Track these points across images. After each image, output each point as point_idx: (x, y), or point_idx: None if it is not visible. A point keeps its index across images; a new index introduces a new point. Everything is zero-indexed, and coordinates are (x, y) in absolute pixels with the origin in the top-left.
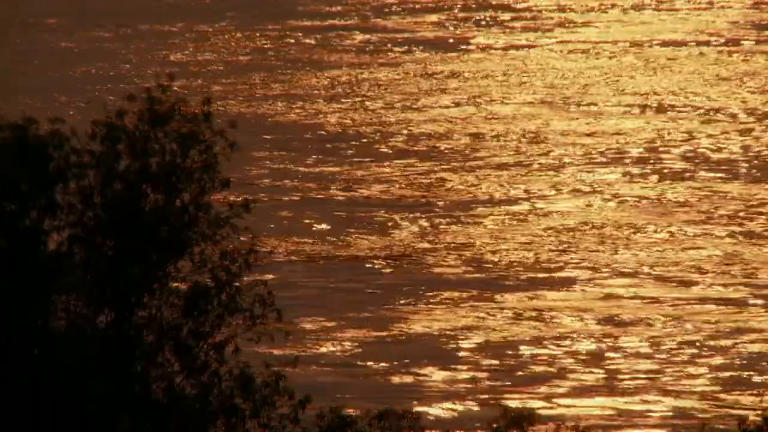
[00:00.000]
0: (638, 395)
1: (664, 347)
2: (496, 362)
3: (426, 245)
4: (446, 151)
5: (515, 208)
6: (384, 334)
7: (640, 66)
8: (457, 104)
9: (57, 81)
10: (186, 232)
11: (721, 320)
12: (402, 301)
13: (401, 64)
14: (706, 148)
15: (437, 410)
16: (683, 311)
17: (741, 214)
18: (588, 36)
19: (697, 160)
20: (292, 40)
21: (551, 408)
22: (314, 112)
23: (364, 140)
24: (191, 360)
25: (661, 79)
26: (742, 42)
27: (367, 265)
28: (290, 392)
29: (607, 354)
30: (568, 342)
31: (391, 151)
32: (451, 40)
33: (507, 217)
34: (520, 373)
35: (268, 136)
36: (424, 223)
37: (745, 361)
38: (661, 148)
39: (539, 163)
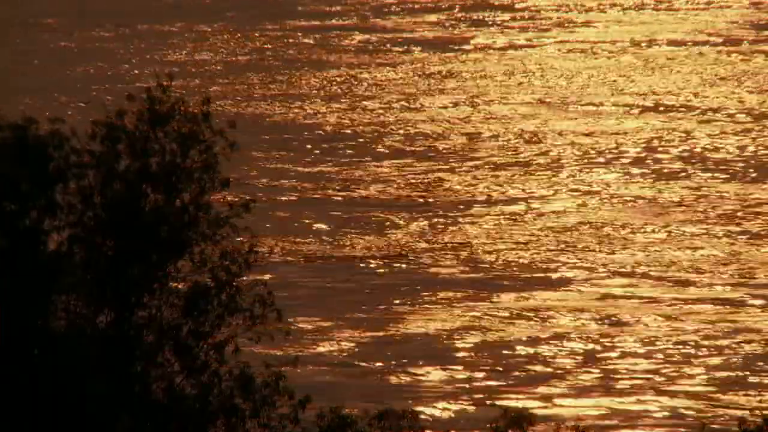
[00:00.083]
0: (635, 395)
1: (660, 347)
2: (493, 362)
3: (423, 245)
4: (444, 151)
5: (513, 208)
6: (381, 334)
7: (638, 66)
8: (456, 104)
9: (57, 81)
10: (186, 232)
11: (718, 320)
12: (399, 301)
13: (400, 64)
14: (704, 148)
15: (434, 410)
16: (680, 311)
17: (738, 214)
18: (587, 36)
19: (694, 160)
20: (291, 40)
21: (548, 408)
22: (312, 112)
23: (362, 140)
24: (191, 360)
25: (660, 79)
26: (741, 42)
27: (365, 265)
28: (290, 392)
29: (604, 354)
30: (564, 342)
31: (388, 151)
32: (449, 40)
33: (504, 217)
34: (516, 372)
35: (266, 136)
36: (422, 223)
37: (742, 361)
38: (659, 148)
39: (537, 163)
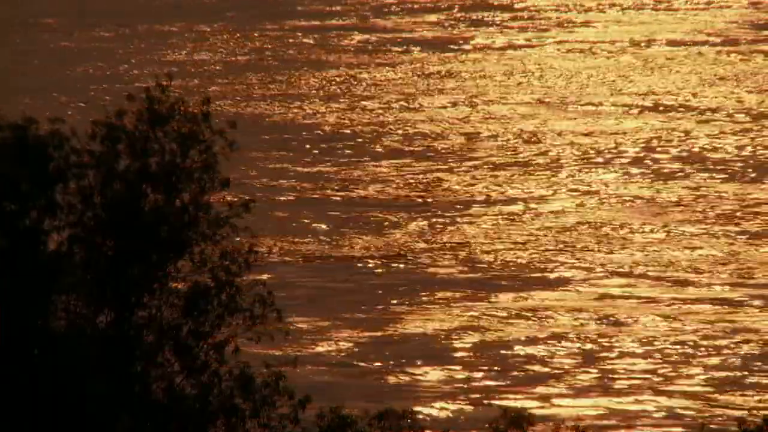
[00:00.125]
0: (633, 395)
1: (659, 347)
2: (492, 362)
3: (422, 245)
4: (443, 151)
5: (511, 207)
6: (380, 333)
7: (638, 66)
8: (455, 104)
9: (57, 81)
10: (186, 232)
11: (716, 320)
12: (398, 301)
13: (399, 64)
14: (703, 148)
15: (433, 410)
16: (679, 311)
17: (737, 214)
18: (586, 36)
19: (693, 160)
20: (291, 40)
21: (546, 408)
22: (312, 112)
23: (361, 140)
24: (191, 360)
25: (659, 79)
26: (740, 42)
27: (363, 265)
28: (290, 392)
29: (602, 354)
30: (563, 342)
31: (387, 151)
32: (449, 40)
33: (503, 217)
34: (515, 372)
35: (265, 136)
36: (420, 223)
37: (740, 362)
38: (658, 148)
39: (536, 163)
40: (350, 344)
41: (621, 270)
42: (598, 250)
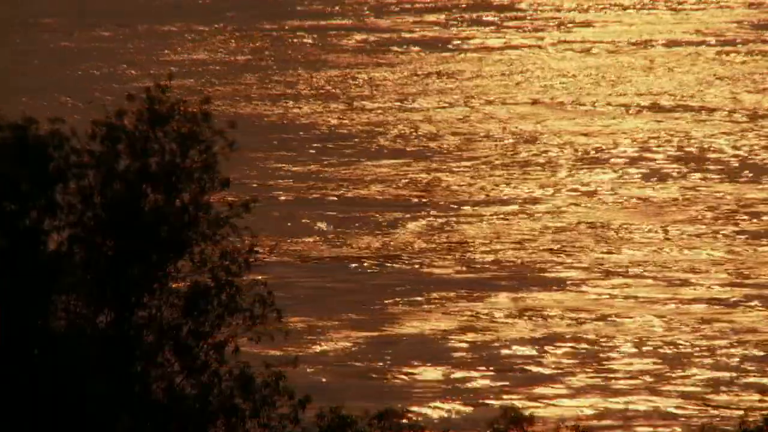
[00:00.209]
0: (631, 395)
1: (656, 347)
2: (490, 362)
3: (421, 245)
4: (442, 151)
5: (509, 207)
6: (379, 334)
7: (637, 66)
8: (453, 104)
9: (57, 81)
10: (186, 232)
11: (715, 320)
12: (396, 301)
13: (398, 64)
14: (701, 148)
15: (431, 410)
16: (676, 311)
17: (735, 214)
18: (585, 36)
19: (691, 160)
20: (290, 40)
21: (544, 408)
22: (311, 111)
23: (360, 140)
24: (191, 360)
25: (658, 79)
26: (740, 42)
27: (360, 265)
28: (290, 392)
29: (600, 354)
30: (560, 342)
31: (386, 151)
32: (448, 40)
33: (501, 216)
34: (513, 373)
35: (264, 136)
36: (419, 223)
37: (738, 362)
38: (656, 148)
39: (535, 163)
40: (350, 344)
41: (619, 270)
42: (596, 250)
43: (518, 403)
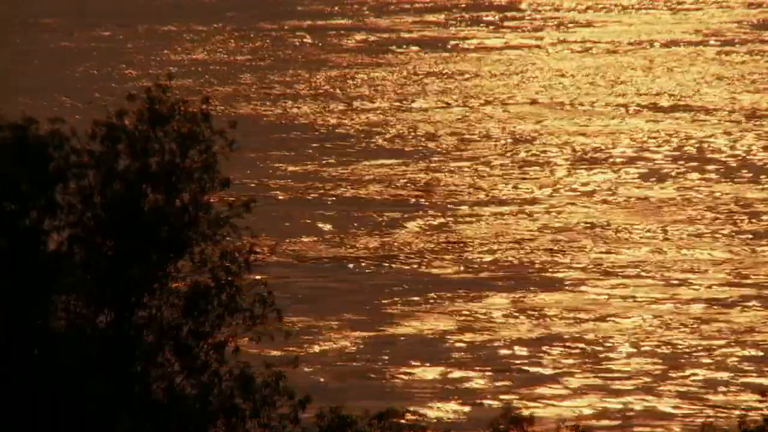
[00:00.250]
0: (629, 395)
1: (656, 347)
2: (489, 362)
3: (419, 245)
4: (441, 151)
5: (509, 207)
6: (379, 333)
7: (636, 66)
8: (452, 104)
9: (57, 81)
10: (186, 232)
11: (713, 320)
12: (395, 301)
13: (397, 64)
14: (700, 148)
15: (430, 410)
16: (676, 311)
17: (734, 214)
18: (585, 36)
19: (690, 161)
20: (290, 40)
21: (543, 408)
22: (310, 111)
23: (358, 140)
24: (191, 360)
25: (657, 79)
26: (740, 42)
27: (360, 265)
28: (290, 392)
29: (599, 354)
30: (560, 342)
31: (385, 151)
32: (447, 40)
33: (500, 216)
34: (512, 373)
35: (263, 136)
36: (418, 223)
37: (737, 362)
38: (655, 148)
39: (534, 163)
40: (350, 344)
41: (617, 270)
42: (595, 250)
43: (517, 403)
